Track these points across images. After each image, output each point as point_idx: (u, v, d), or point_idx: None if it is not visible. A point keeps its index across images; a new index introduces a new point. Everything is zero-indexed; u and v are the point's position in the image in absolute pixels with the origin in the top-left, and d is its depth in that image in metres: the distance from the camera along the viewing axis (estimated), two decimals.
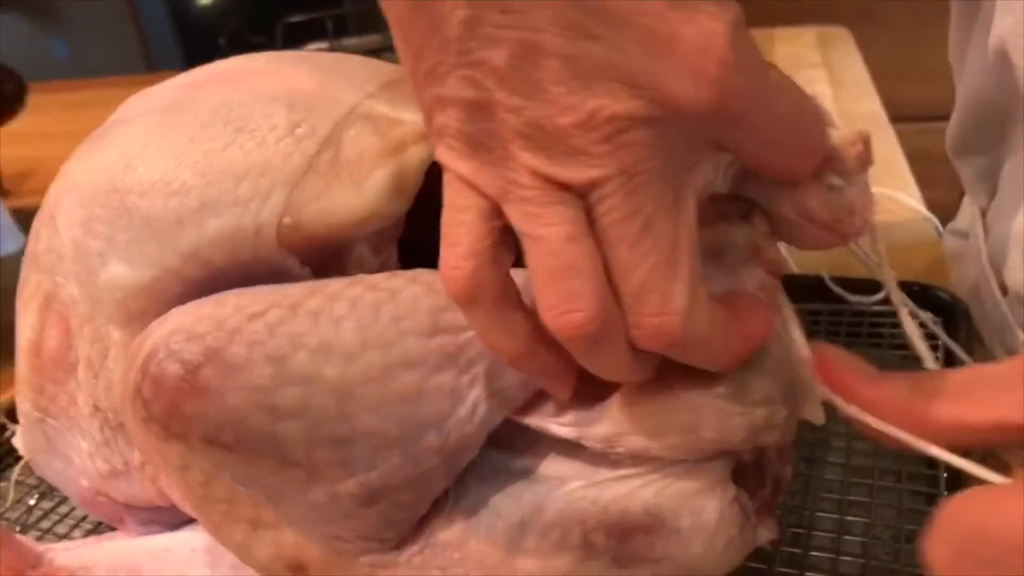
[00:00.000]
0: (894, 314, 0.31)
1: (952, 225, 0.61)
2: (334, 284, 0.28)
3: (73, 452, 0.38)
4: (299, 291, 0.28)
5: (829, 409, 0.28)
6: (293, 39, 1.07)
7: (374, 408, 0.27)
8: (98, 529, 0.44)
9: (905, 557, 0.35)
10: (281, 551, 0.30)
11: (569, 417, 0.29)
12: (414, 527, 0.30)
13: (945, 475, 0.39)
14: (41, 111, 0.76)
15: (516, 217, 0.23)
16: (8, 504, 0.47)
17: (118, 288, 0.33)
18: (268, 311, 0.28)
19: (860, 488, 0.39)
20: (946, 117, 0.51)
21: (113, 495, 0.38)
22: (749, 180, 0.28)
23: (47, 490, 0.47)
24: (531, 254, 0.23)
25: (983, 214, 0.50)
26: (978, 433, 0.23)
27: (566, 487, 0.30)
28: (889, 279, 0.29)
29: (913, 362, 0.30)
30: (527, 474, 0.30)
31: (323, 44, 1.07)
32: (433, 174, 0.32)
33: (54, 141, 1.05)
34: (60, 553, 0.38)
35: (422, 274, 0.29)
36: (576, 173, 0.22)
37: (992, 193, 0.48)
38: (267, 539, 0.30)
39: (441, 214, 0.25)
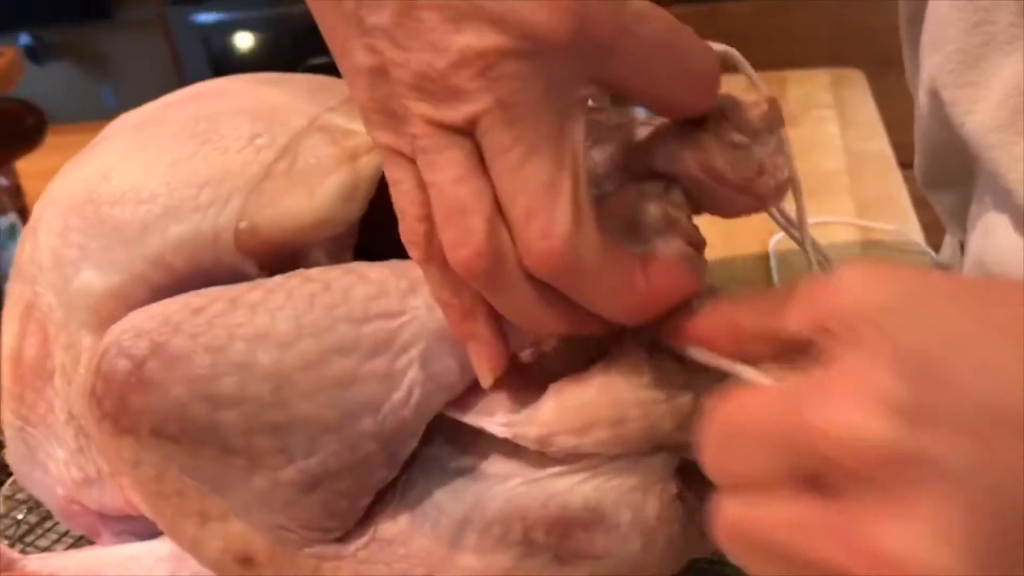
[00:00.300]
0: None
1: (936, 258, 0.61)
2: (275, 279, 0.30)
3: (50, 460, 0.39)
4: (242, 287, 0.30)
5: None
6: None
7: (309, 394, 0.28)
8: (79, 544, 0.45)
9: None
10: (229, 544, 0.30)
11: (503, 417, 0.29)
12: (359, 520, 0.31)
13: None
14: (72, 148, 0.79)
15: (422, 169, 0.24)
16: None
17: (89, 294, 0.34)
18: (210, 305, 0.29)
19: None
20: None
21: (87, 503, 0.39)
22: (658, 145, 0.29)
23: (35, 504, 0.49)
24: (432, 201, 0.24)
25: (962, 247, 0.50)
26: (748, 341, 0.24)
27: (507, 483, 0.30)
28: (806, 238, 0.30)
29: None
30: (471, 470, 0.31)
31: None
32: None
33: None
34: (33, 560, 0.39)
35: (358, 266, 0.30)
36: (457, 112, 0.23)
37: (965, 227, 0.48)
38: (216, 532, 0.30)
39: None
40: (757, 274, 0.64)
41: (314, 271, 0.30)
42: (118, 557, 0.38)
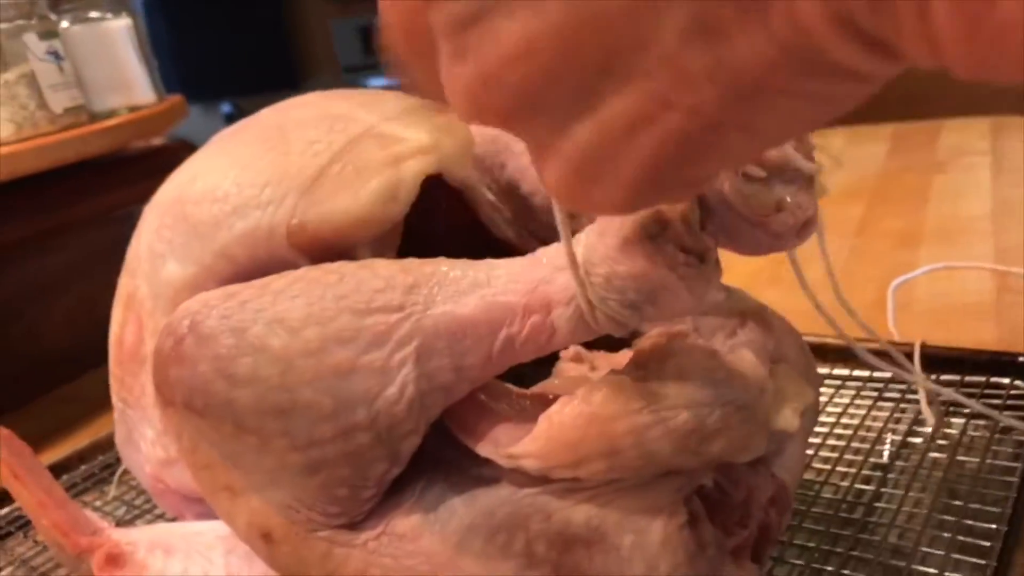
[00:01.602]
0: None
1: None
2: (303, 270, 0.31)
3: (142, 440, 0.43)
4: (275, 278, 0.31)
5: None
6: None
7: (310, 381, 0.29)
8: None
9: None
10: (252, 518, 0.32)
11: (506, 448, 0.29)
12: (374, 512, 0.31)
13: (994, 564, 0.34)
14: None
15: None
16: (109, 498, 0.53)
17: (171, 284, 0.38)
18: (243, 291, 0.31)
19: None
20: None
21: (169, 482, 0.42)
22: None
23: (143, 488, 0.53)
24: None
25: None
26: None
27: (518, 493, 0.30)
28: (810, 296, 0.28)
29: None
30: (489, 479, 0.31)
31: None
32: (430, 187, 0.34)
33: None
34: (114, 530, 0.42)
35: (375, 262, 0.31)
36: None
37: None
38: (242, 506, 0.32)
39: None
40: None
41: (336, 264, 0.31)
42: (185, 532, 0.40)
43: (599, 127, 0.18)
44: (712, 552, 0.29)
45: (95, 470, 0.57)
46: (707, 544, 0.29)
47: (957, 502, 0.38)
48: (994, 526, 0.36)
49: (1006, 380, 0.45)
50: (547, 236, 0.38)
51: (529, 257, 0.30)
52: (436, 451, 0.32)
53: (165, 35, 3.07)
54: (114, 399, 0.44)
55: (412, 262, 0.30)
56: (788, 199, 0.26)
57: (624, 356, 0.34)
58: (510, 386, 0.32)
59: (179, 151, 0.79)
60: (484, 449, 0.30)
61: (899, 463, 0.42)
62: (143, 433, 0.43)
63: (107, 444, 0.58)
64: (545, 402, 0.31)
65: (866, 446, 0.43)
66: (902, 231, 0.75)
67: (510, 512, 0.29)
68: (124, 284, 0.42)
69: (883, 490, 0.40)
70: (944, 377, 0.47)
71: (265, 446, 0.30)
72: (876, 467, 0.42)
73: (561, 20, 0.17)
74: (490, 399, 0.31)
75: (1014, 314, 0.57)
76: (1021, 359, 0.45)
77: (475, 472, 0.31)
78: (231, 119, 3.48)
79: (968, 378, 0.46)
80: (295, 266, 0.34)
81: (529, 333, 0.28)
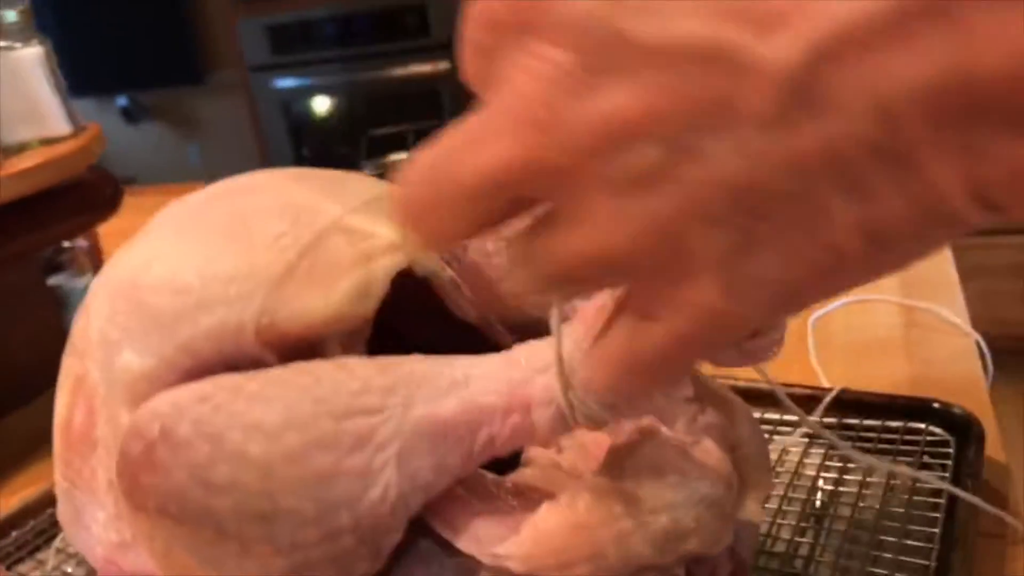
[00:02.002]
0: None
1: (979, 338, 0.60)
2: (276, 371, 0.31)
3: (93, 522, 0.42)
4: (247, 375, 0.31)
5: None
6: (377, 150, 1.15)
7: (292, 487, 0.29)
8: None
9: None
10: None
11: (489, 547, 0.30)
12: None
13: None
14: (152, 210, 0.84)
15: None
16: (48, 569, 0.52)
17: (127, 373, 0.37)
18: (216, 394, 0.31)
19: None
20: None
21: (123, 565, 0.41)
22: None
23: (83, 559, 0.51)
24: None
25: None
26: None
27: None
28: (780, 392, 0.30)
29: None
30: (468, 569, 0.32)
31: (404, 154, 1.15)
32: (398, 282, 0.35)
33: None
34: None
35: (349, 361, 0.32)
36: None
37: None
38: None
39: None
40: None
41: (312, 363, 0.31)
42: None
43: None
44: None
45: (28, 537, 0.55)
46: None
47: (887, 555, 0.41)
48: None
49: (922, 425, 0.49)
50: (508, 318, 0.40)
51: (505, 356, 0.31)
52: (411, 540, 0.33)
53: (52, 20, 2.92)
54: (58, 478, 0.43)
55: (387, 361, 0.31)
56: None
57: (590, 440, 0.36)
58: (488, 475, 0.33)
59: (100, 186, 0.76)
60: (466, 545, 0.31)
61: (834, 511, 0.45)
62: (93, 515, 0.42)
63: (37, 508, 0.56)
64: (524, 496, 0.32)
65: (801, 496, 0.46)
66: None
67: None
68: (71, 365, 0.42)
69: (820, 542, 0.43)
70: (867, 422, 0.50)
71: (247, 551, 0.30)
72: (812, 517, 0.45)
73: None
74: (468, 492, 0.32)
75: (922, 349, 0.62)
76: (935, 405, 0.49)
77: (451, 562, 0.32)
78: (128, 114, 3.35)
79: (888, 423, 0.50)
80: (263, 361, 0.35)
81: (510, 433, 0.29)
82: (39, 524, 0.56)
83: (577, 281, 0.22)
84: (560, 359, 0.28)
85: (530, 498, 0.32)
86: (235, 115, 2.95)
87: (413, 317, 0.38)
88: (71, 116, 0.77)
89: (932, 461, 0.47)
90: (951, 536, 0.40)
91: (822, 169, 0.18)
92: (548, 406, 0.29)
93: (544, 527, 0.29)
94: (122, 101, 3.38)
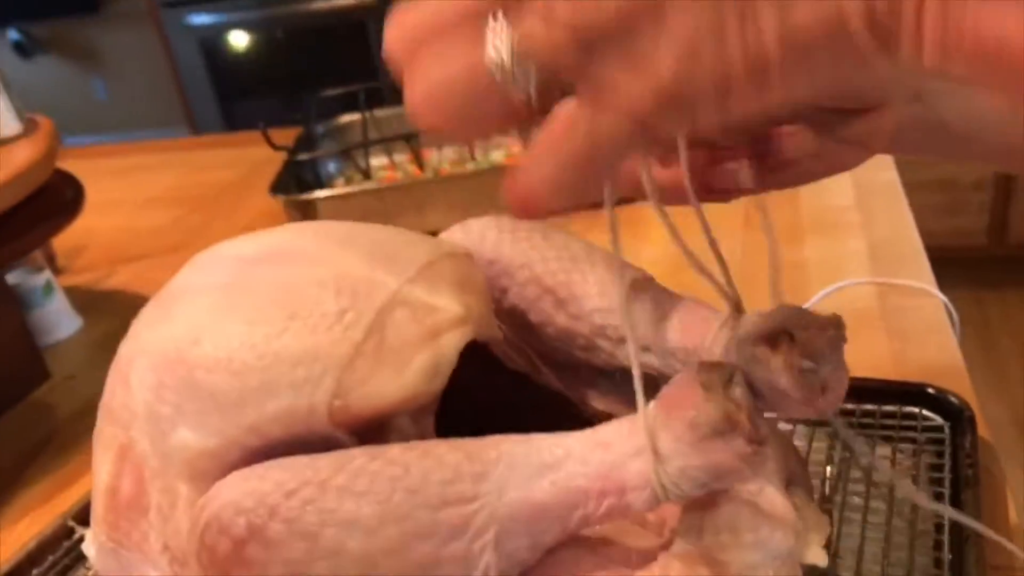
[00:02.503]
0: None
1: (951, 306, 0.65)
2: (359, 460, 0.32)
3: None
4: (328, 468, 0.32)
5: None
6: (328, 111, 1.12)
7: None
8: None
9: None
10: None
11: None
12: None
13: (948, 538, 0.42)
14: (86, 178, 0.80)
15: None
16: None
17: (186, 450, 0.37)
18: (301, 489, 0.31)
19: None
20: None
21: None
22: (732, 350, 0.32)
23: None
24: None
25: None
26: None
27: None
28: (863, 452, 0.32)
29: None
30: None
31: (356, 115, 1.12)
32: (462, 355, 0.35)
33: (103, 213, 1.10)
34: None
35: (435, 447, 0.32)
36: None
37: None
38: None
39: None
40: None
41: (395, 451, 0.32)
42: None
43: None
44: None
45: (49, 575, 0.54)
46: None
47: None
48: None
49: (916, 409, 0.53)
50: (556, 360, 0.41)
51: (592, 437, 0.32)
52: None
53: None
54: (102, 539, 0.43)
55: (473, 446, 0.32)
56: (830, 379, 0.30)
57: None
58: None
59: (62, 189, 0.73)
60: None
61: (852, 498, 0.48)
62: (144, 573, 0.42)
63: (53, 542, 0.56)
64: (604, 555, 0.34)
65: (816, 482, 0.50)
66: (784, 225, 0.82)
67: None
68: (111, 434, 0.41)
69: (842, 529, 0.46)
70: (864, 407, 0.54)
71: None
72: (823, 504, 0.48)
73: None
74: None
75: (899, 322, 0.66)
76: (930, 391, 0.53)
77: None
78: (21, 49, 3.12)
79: (884, 407, 0.54)
80: (334, 438, 0.35)
81: (605, 512, 0.31)
82: (56, 558, 0.55)
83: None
84: (654, 448, 0.30)
85: (610, 557, 0.34)
86: (143, 47, 2.78)
87: (466, 376, 0.39)
88: (18, 113, 0.73)
89: (929, 448, 0.51)
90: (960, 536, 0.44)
91: None
92: (643, 490, 0.30)
93: None
94: (13, 35, 3.15)
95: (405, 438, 0.36)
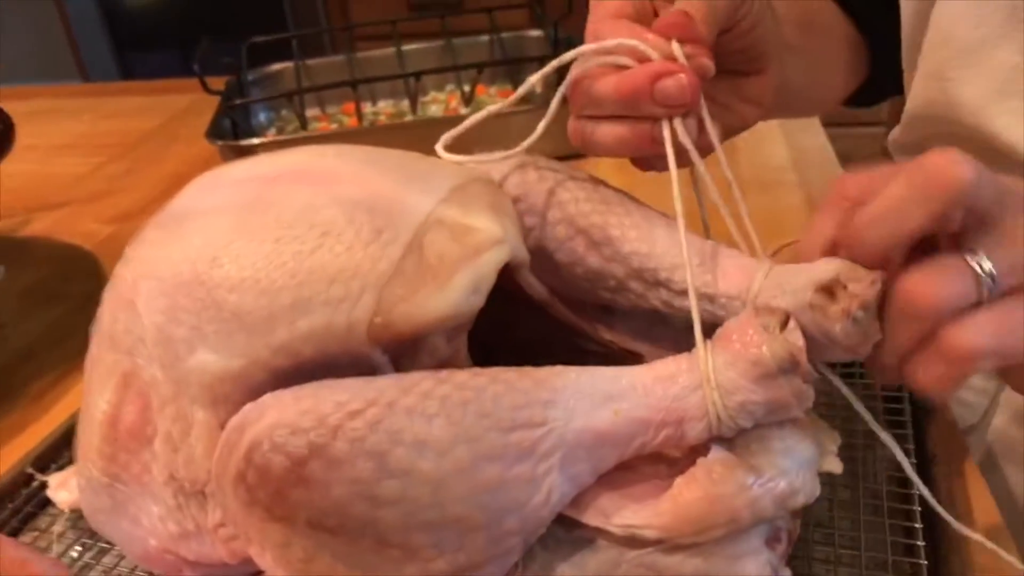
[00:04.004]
0: None
1: None
2: (425, 383, 0.32)
3: (143, 515, 0.41)
4: (392, 389, 0.32)
5: None
6: (259, 59, 1.08)
7: (463, 497, 0.31)
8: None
9: None
10: None
11: (619, 519, 0.33)
12: None
13: (919, 509, 0.45)
14: None
15: None
16: (53, 555, 0.49)
17: (204, 373, 0.36)
18: (367, 409, 0.31)
19: (846, 522, 0.45)
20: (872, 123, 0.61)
21: (183, 553, 0.41)
22: (785, 290, 0.33)
23: (88, 543, 0.50)
24: None
25: None
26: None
27: (625, 556, 0.34)
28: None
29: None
30: (588, 543, 0.34)
31: (290, 64, 1.08)
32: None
33: (9, 158, 1.03)
34: None
35: (502, 373, 0.33)
36: None
37: None
38: None
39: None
40: None
41: (463, 376, 0.32)
42: None
43: None
44: (779, 572, 0.36)
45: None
46: (776, 567, 0.35)
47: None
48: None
49: None
50: (575, 298, 0.41)
51: (652, 372, 0.33)
52: None
53: None
54: (94, 473, 0.41)
55: (541, 374, 0.32)
56: (870, 329, 0.32)
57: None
58: None
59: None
60: (593, 518, 0.34)
61: None
62: (143, 508, 0.41)
63: (12, 490, 0.53)
64: (632, 468, 0.35)
65: None
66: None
67: (624, 573, 0.34)
68: (112, 361, 0.39)
69: None
70: None
71: (410, 558, 0.31)
72: None
73: None
74: None
75: None
76: None
77: (565, 536, 0.35)
78: None
79: None
80: (369, 357, 0.35)
81: (662, 441, 0.32)
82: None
83: None
84: (711, 381, 0.31)
85: (641, 471, 0.35)
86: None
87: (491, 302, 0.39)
88: None
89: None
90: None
91: None
92: (700, 421, 0.32)
93: (684, 499, 0.32)
94: None
95: (438, 358, 0.36)
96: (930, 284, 0.31)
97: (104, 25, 2.45)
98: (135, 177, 1.03)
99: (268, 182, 0.38)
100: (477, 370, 0.33)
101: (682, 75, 0.35)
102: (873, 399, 0.53)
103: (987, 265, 0.31)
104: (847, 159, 0.87)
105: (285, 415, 0.32)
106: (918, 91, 0.56)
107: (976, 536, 0.37)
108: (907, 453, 0.47)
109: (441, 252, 0.34)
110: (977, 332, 0.31)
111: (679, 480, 0.33)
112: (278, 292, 0.34)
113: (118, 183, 1.02)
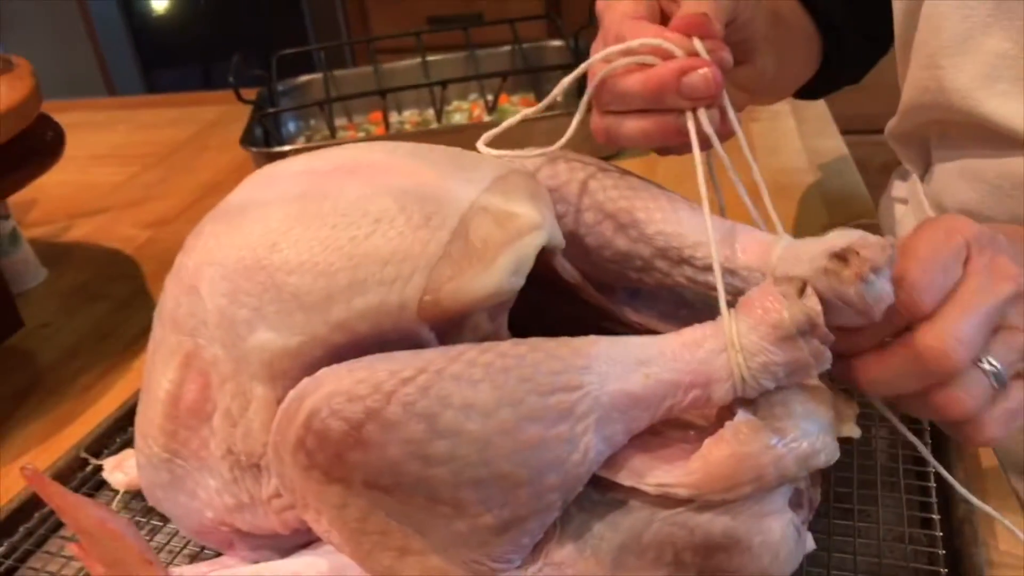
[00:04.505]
0: None
1: (892, 195, 0.77)
2: (470, 352, 0.34)
3: (200, 488, 0.44)
4: (440, 358, 0.34)
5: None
6: (285, 72, 1.11)
7: (507, 455, 0.34)
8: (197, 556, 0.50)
9: (911, 556, 0.43)
10: (427, 572, 0.36)
11: (653, 478, 0.36)
12: (533, 550, 0.36)
13: (935, 485, 0.47)
14: None
15: None
16: None
17: (264, 351, 0.38)
18: (417, 376, 0.34)
19: (864, 498, 0.47)
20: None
21: (238, 524, 0.44)
22: (802, 261, 0.36)
23: (141, 520, 0.52)
24: None
25: (921, 179, 0.69)
26: None
27: (658, 515, 0.36)
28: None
29: None
30: (622, 504, 0.37)
31: (318, 75, 1.12)
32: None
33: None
34: (183, 570, 0.43)
35: (541, 342, 0.35)
36: None
37: (926, 163, 0.67)
38: (413, 564, 0.36)
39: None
40: None
41: (505, 346, 0.35)
42: (281, 570, 0.43)
43: None
44: (802, 533, 0.38)
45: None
46: (800, 528, 0.38)
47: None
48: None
49: None
50: (604, 282, 0.44)
51: (679, 338, 0.36)
52: None
53: None
54: (155, 449, 0.44)
55: (578, 343, 0.35)
56: (883, 291, 0.35)
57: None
58: None
59: (42, 131, 0.71)
60: (627, 479, 0.36)
61: None
62: (200, 482, 0.44)
63: (67, 474, 0.56)
64: (660, 434, 0.37)
65: None
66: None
67: (657, 530, 0.36)
68: (176, 342, 0.42)
69: None
70: None
71: (459, 514, 0.34)
72: None
73: None
74: None
75: None
76: None
77: (600, 498, 0.38)
78: None
79: None
80: (419, 335, 0.37)
81: (690, 403, 0.35)
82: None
83: None
84: (735, 344, 0.34)
85: (671, 436, 0.38)
86: (52, 7, 2.63)
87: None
88: None
89: None
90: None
91: None
92: (726, 382, 0.35)
93: (713, 458, 0.35)
94: None
95: (480, 335, 0.38)
96: (957, 400, 0.37)
97: (130, 42, 2.50)
98: (169, 184, 1.07)
99: (323, 175, 0.41)
100: (517, 340, 0.35)
101: (707, 69, 0.38)
102: None
103: (994, 364, 0.37)
104: (863, 166, 0.89)
105: (342, 384, 0.35)
106: (912, 82, 0.61)
107: (986, 508, 0.39)
108: (921, 432, 0.49)
109: (485, 236, 0.37)
110: (995, 427, 0.38)
111: (708, 441, 0.35)
112: (335, 273, 0.37)
113: (154, 190, 1.05)
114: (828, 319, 0.35)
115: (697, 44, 0.39)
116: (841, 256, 0.35)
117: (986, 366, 0.37)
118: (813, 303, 0.35)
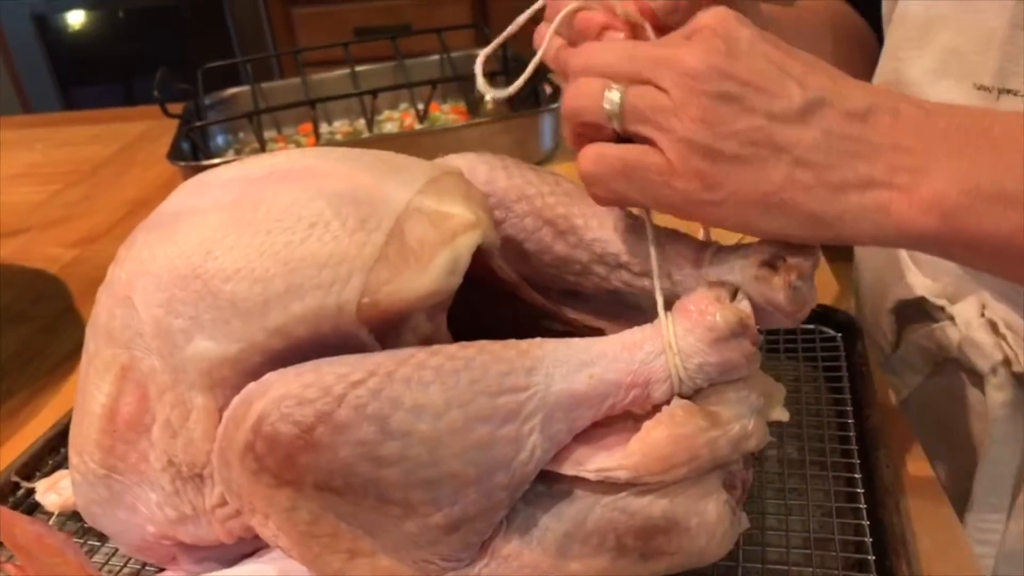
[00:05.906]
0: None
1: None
2: (419, 355, 0.35)
3: (140, 503, 0.43)
4: (389, 361, 0.35)
5: None
6: (211, 85, 1.10)
7: (457, 455, 0.34)
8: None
9: (839, 528, 0.45)
10: (377, 573, 0.36)
11: (593, 465, 0.37)
12: (481, 547, 0.37)
13: (859, 461, 0.49)
14: None
15: None
16: None
17: (203, 360, 0.38)
18: (368, 379, 0.34)
19: (795, 478, 0.49)
20: None
21: (180, 537, 0.43)
22: (734, 268, 0.38)
23: (77, 542, 0.51)
24: None
25: None
26: None
27: (600, 502, 0.37)
28: None
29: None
30: (566, 495, 0.38)
31: (245, 88, 1.11)
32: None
33: None
34: None
35: (488, 344, 0.36)
36: None
37: None
38: (362, 566, 0.36)
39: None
40: None
41: (453, 349, 0.35)
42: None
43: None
44: (737, 513, 0.40)
45: None
46: (735, 509, 0.39)
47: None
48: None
49: (812, 326, 0.61)
50: (541, 284, 0.45)
51: (620, 340, 0.37)
52: None
53: None
54: (91, 466, 0.43)
55: (523, 345, 0.36)
56: (808, 296, 0.37)
57: None
58: None
59: None
60: (569, 468, 0.37)
61: None
62: (143, 497, 0.43)
63: None
64: (609, 424, 0.38)
65: None
66: None
67: (599, 516, 0.37)
68: (111, 356, 0.42)
69: None
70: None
71: (410, 514, 0.34)
72: None
73: None
74: None
75: None
76: (822, 310, 0.61)
77: (544, 491, 0.38)
78: None
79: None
80: (357, 336, 0.38)
81: (631, 401, 0.36)
82: None
83: None
84: (672, 346, 0.36)
85: (611, 426, 0.39)
86: None
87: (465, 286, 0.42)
88: None
89: (827, 354, 0.59)
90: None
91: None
92: (664, 381, 0.36)
93: (651, 439, 0.36)
94: None
95: (420, 335, 0.39)
96: (570, 95, 0.39)
97: (47, 60, 2.43)
98: (94, 202, 1.04)
99: (255, 181, 0.41)
100: (464, 343, 0.36)
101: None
102: (815, 370, 0.57)
103: (618, 91, 0.37)
104: None
105: (290, 388, 0.35)
106: (879, 73, 0.62)
107: None
108: (847, 415, 0.52)
109: (421, 237, 0.38)
110: (587, 160, 0.38)
111: (646, 424, 0.37)
112: (271, 279, 0.37)
113: (77, 208, 1.03)
114: (758, 321, 0.37)
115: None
116: (770, 264, 0.37)
117: (611, 91, 0.37)
118: (745, 307, 0.37)
